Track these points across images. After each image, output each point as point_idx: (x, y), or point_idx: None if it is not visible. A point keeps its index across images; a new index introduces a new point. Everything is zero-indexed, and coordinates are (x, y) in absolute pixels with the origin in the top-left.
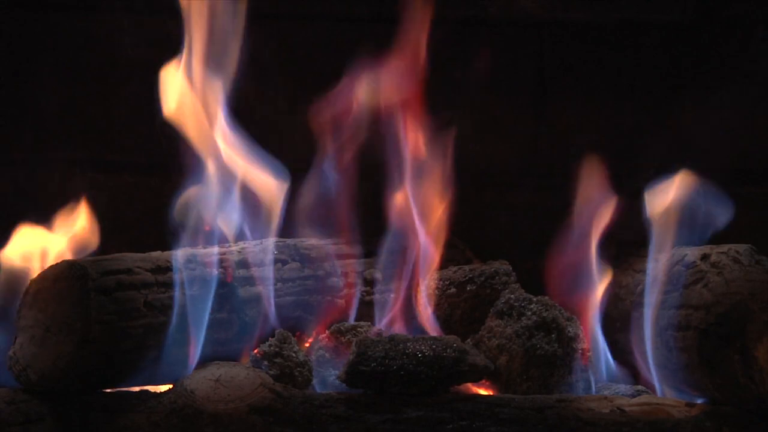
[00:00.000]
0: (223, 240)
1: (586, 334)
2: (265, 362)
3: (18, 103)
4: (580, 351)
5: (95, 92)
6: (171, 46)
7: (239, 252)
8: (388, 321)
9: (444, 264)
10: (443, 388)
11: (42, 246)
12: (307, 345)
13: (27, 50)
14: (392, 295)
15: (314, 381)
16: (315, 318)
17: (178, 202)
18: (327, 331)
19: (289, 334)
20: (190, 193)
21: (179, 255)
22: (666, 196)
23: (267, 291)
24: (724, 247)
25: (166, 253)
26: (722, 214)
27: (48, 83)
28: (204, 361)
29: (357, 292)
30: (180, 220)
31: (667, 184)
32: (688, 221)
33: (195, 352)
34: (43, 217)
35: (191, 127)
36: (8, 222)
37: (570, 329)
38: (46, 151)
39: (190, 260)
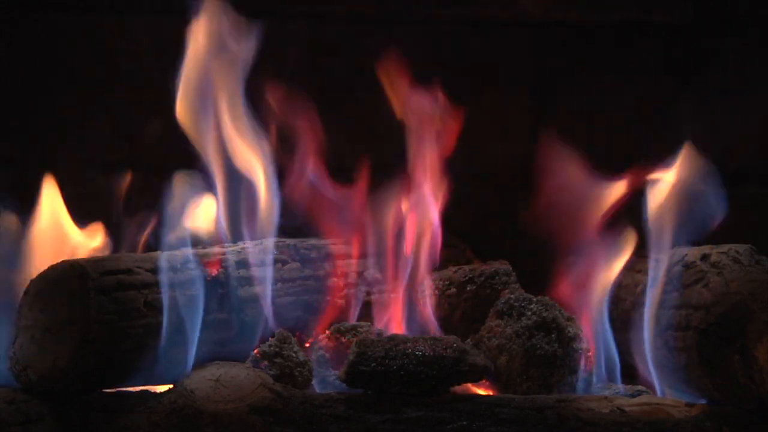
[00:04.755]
0: (222, 240)
1: (589, 332)
2: (265, 362)
3: (17, 102)
4: (580, 351)
5: (95, 92)
6: (171, 46)
7: (239, 252)
8: (387, 321)
9: (444, 264)
10: (443, 388)
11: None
12: (307, 345)
13: (27, 50)
14: (392, 295)
15: (314, 381)
16: (315, 318)
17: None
18: (327, 331)
19: (289, 334)
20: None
21: (178, 255)
22: (667, 183)
23: (267, 291)
24: (724, 247)
25: (165, 253)
26: (719, 206)
27: (48, 83)
28: (204, 362)
29: (357, 292)
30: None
31: (669, 168)
32: (688, 207)
33: (192, 352)
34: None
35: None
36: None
37: (570, 329)
38: (45, 150)
39: (189, 260)
